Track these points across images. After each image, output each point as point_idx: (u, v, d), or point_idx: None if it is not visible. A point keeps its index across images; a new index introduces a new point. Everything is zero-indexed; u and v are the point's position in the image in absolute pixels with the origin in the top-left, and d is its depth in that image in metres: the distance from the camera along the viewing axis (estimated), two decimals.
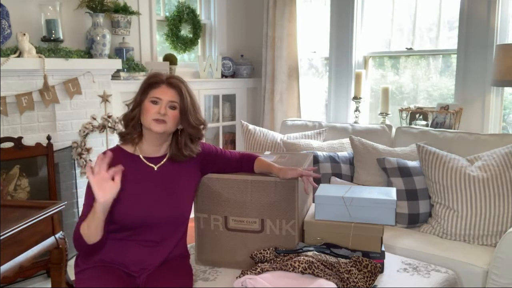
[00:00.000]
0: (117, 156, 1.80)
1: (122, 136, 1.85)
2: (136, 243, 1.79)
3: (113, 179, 1.59)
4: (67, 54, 3.07)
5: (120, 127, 1.99)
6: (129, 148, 1.84)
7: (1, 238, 1.83)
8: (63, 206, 2.29)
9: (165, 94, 1.77)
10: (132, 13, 3.56)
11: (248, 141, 3.44)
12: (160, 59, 3.98)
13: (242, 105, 4.53)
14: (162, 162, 1.85)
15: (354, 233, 1.97)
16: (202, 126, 1.86)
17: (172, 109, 1.77)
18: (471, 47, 3.29)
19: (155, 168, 1.84)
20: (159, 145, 1.84)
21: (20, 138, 2.82)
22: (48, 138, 2.93)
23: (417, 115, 3.43)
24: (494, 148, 2.63)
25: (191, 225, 1.96)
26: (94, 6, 3.25)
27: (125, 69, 3.48)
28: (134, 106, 1.81)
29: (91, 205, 1.67)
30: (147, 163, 1.83)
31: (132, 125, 1.81)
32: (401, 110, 3.50)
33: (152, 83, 1.79)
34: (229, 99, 4.53)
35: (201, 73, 4.19)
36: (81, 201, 3.23)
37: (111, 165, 1.77)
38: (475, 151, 2.71)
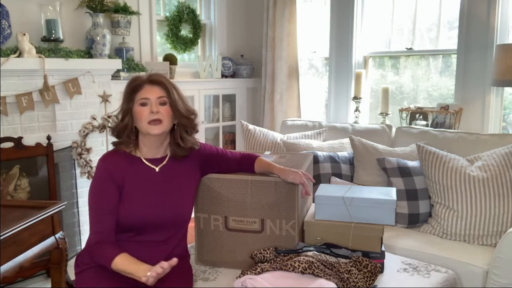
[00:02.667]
0: (118, 158, 1.80)
1: (116, 145, 1.84)
2: (137, 244, 1.79)
3: None
4: (67, 54, 3.07)
5: None
6: (128, 149, 1.84)
7: (1, 238, 1.83)
8: (63, 206, 2.28)
9: (151, 93, 1.76)
10: (132, 13, 3.56)
11: (248, 141, 3.44)
12: (160, 59, 3.98)
13: (242, 105, 4.53)
14: (163, 163, 1.85)
15: (354, 233, 1.97)
16: (193, 116, 1.85)
17: (162, 105, 1.76)
18: (471, 47, 3.29)
19: (157, 169, 1.84)
20: (159, 147, 1.84)
21: (20, 138, 2.82)
22: (48, 138, 2.93)
23: (417, 115, 3.43)
24: (494, 148, 2.63)
25: (191, 225, 1.96)
26: (94, 6, 3.25)
27: (125, 69, 3.48)
28: (123, 115, 1.79)
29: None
30: (149, 164, 1.83)
31: (127, 135, 1.80)
32: (401, 110, 3.50)
33: (135, 87, 1.77)
34: (229, 99, 4.53)
35: (201, 73, 4.19)
36: (81, 201, 3.23)
37: (112, 167, 1.77)
38: (475, 151, 2.71)
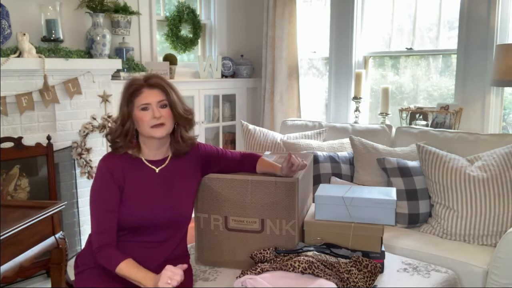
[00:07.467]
0: (119, 159, 1.80)
1: (116, 149, 1.81)
2: (137, 244, 1.79)
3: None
4: (67, 54, 3.07)
5: None
6: (130, 151, 1.83)
7: (1, 238, 1.83)
8: (63, 206, 2.29)
9: (151, 97, 1.75)
10: (132, 13, 3.56)
11: (248, 141, 3.44)
12: (160, 59, 3.98)
13: (242, 105, 4.53)
14: (164, 165, 1.85)
15: (354, 233, 1.97)
16: (191, 116, 1.86)
17: (163, 107, 1.76)
18: (471, 47, 3.29)
19: (157, 170, 1.84)
20: (160, 148, 1.84)
21: (20, 138, 2.82)
22: (48, 138, 2.93)
23: (417, 115, 3.43)
24: (494, 148, 2.63)
25: (191, 225, 1.96)
26: (94, 6, 3.25)
27: (125, 69, 3.48)
28: (124, 120, 1.77)
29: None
30: (149, 165, 1.83)
31: (129, 139, 1.78)
32: (401, 110, 3.50)
33: (133, 91, 1.76)
34: (229, 99, 4.53)
35: (201, 73, 4.19)
36: (81, 201, 3.24)
37: (113, 167, 1.77)
38: (475, 151, 2.71)
